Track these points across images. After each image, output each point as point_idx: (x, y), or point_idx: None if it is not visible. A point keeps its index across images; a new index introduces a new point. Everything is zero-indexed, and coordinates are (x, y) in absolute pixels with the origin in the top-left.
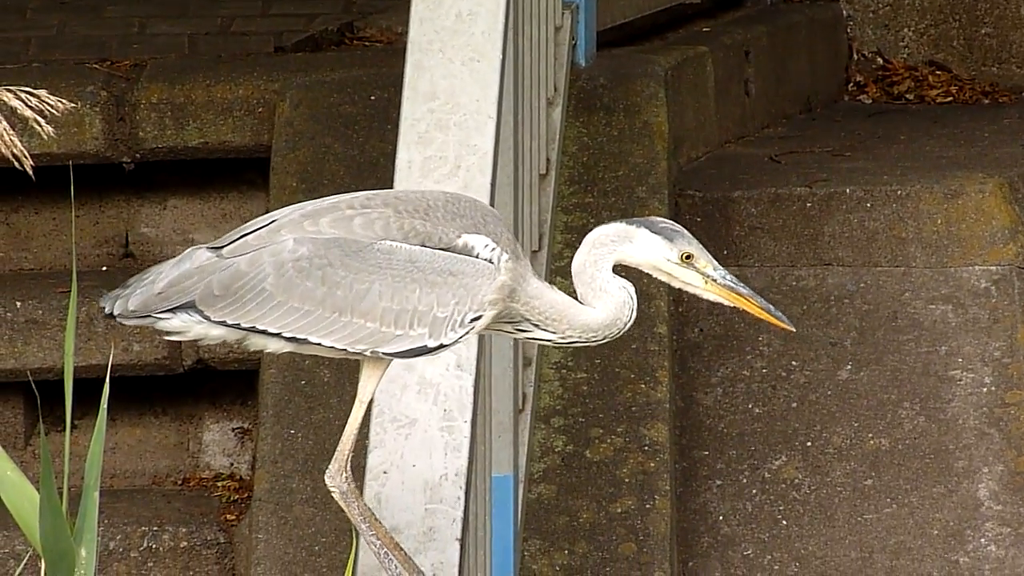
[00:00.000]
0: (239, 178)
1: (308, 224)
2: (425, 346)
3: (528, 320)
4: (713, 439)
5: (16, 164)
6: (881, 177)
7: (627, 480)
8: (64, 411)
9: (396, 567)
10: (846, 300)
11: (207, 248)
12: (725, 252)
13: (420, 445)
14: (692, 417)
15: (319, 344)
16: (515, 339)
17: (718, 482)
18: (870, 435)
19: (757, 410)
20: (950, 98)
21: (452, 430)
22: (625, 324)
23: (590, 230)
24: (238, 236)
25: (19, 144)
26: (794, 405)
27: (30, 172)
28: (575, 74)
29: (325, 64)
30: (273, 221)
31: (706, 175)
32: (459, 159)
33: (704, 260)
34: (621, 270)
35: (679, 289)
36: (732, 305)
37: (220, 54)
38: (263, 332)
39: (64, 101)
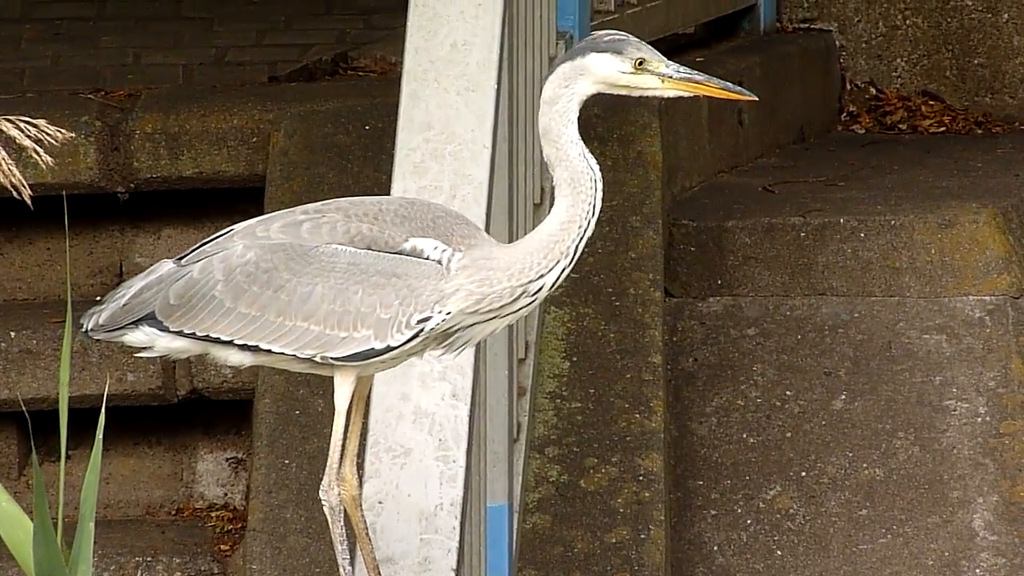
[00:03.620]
0: (233, 208)
1: (260, 230)
2: (372, 348)
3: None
4: (707, 469)
5: (14, 194)
6: (875, 207)
7: (622, 510)
8: (58, 441)
9: None
10: (840, 330)
11: (173, 260)
12: (719, 281)
13: (415, 475)
14: (686, 447)
15: (270, 351)
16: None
17: (713, 512)
18: (864, 465)
19: (751, 440)
20: (943, 128)
21: (447, 460)
22: (592, 195)
23: (584, 260)
24: (199, 246)
25: (17, 174)
26: (788, 435)
27: (28, 202)
28: None
29: (319, 94)
30: (232, 230)
31: (700, 204)
32: (454, 189)
33: (655, 60)
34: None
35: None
36: (692, 95)
37: (214, 84)
38: (217, 341)
39: (63, 131)
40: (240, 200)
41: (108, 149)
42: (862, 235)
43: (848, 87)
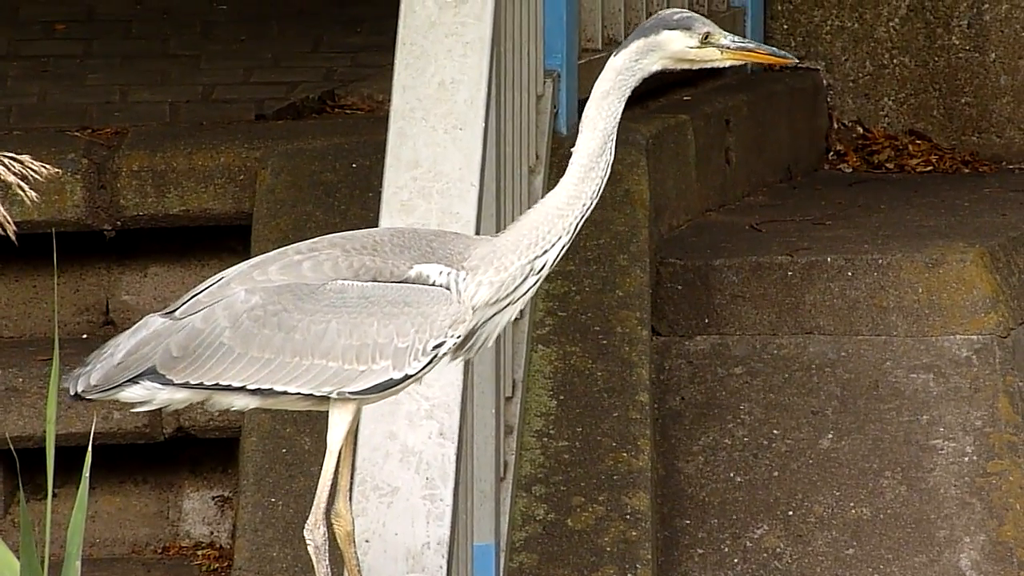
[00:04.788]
0: (220, 246)
1: (257, 274)
2: (391, 379)
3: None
4: (694, 508)
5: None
6: (862, 246)
7: (608, 549)
8: (44, 479)
9: None
10: (827, 369)
11: (161, 315)
12: (706, 320)
13: (402, 513)
14: (673, 486)
15: (284, 392)
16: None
17: (700, 551)
18: (852, 504)
19: (738, 479)
20: (930, 167)
21: (434, 499)
22: (603, 177)
23: (572, 298)
24: (189, 297)
25: (2, 210)
26: (775, 474)
27: (13, 238)
28: (557, 142)
29: (306, 132)
30: (222, 278)
31: (687, 243)
32: (441, 227)
33: (717, 32)
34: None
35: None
36: (743, 63)
37: (201, 122)
38: (227, 388)
39: (48, 166)
40: (227, 238)
41: (95, 187)
42: (849, 274)
43: (835, 126)
